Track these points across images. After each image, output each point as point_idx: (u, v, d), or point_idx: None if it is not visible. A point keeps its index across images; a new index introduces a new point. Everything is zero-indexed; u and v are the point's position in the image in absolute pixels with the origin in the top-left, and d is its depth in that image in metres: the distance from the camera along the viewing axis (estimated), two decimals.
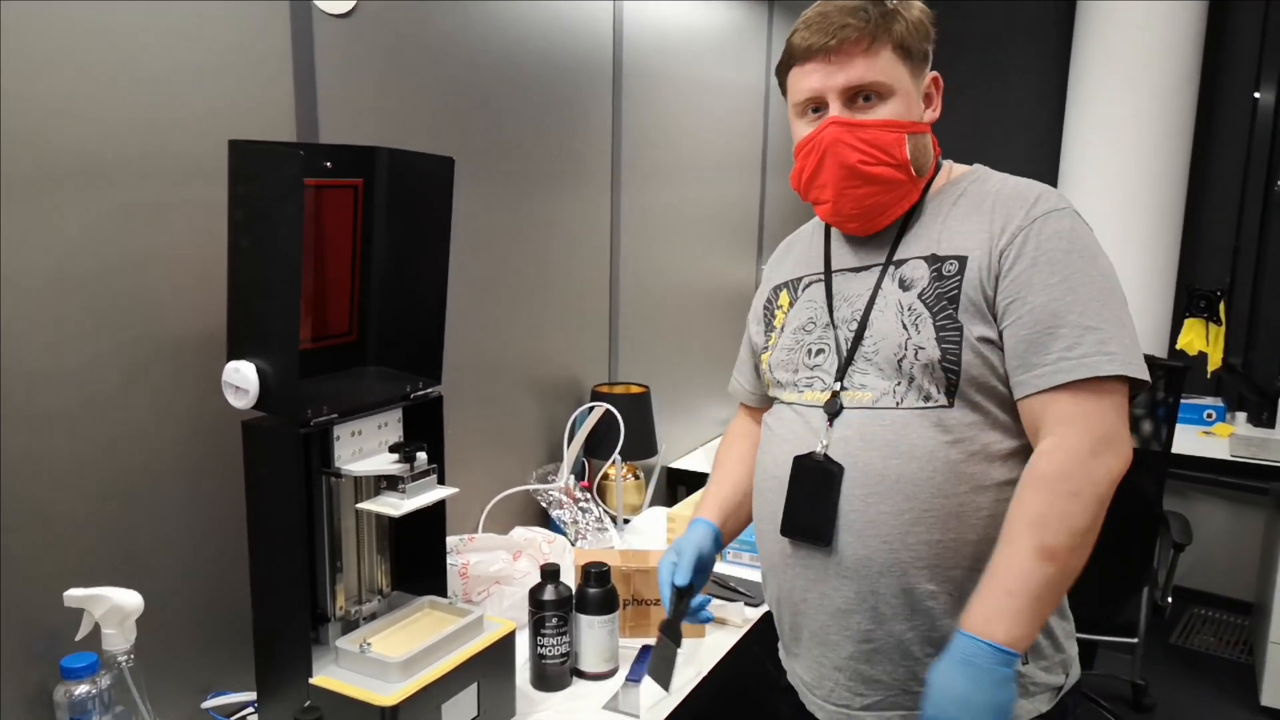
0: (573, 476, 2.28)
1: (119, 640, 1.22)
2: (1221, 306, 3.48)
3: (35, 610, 1.28)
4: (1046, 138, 4.11)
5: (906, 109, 1.27)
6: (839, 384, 1.31)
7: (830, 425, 1.29)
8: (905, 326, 1.26)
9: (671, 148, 2.80)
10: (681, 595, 1.41)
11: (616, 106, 2.50)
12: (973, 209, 1.29)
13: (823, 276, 1.39)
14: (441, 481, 1.47)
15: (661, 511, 2.42)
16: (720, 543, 1.50)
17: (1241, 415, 3.60)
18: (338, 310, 1.50)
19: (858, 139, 1.25)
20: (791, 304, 1.42)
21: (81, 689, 1.26)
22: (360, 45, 1.69)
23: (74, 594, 1.23)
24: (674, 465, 2.91)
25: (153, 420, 1.41)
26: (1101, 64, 3.69)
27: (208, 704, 1.49)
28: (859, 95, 1.26)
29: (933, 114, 1.33)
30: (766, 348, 1.44)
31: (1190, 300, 3.52)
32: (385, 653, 1.35)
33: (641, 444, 2.43)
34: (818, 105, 1.28)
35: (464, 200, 1.55)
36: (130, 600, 1.23)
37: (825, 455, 1.28)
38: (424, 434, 1.49)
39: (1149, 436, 2.79)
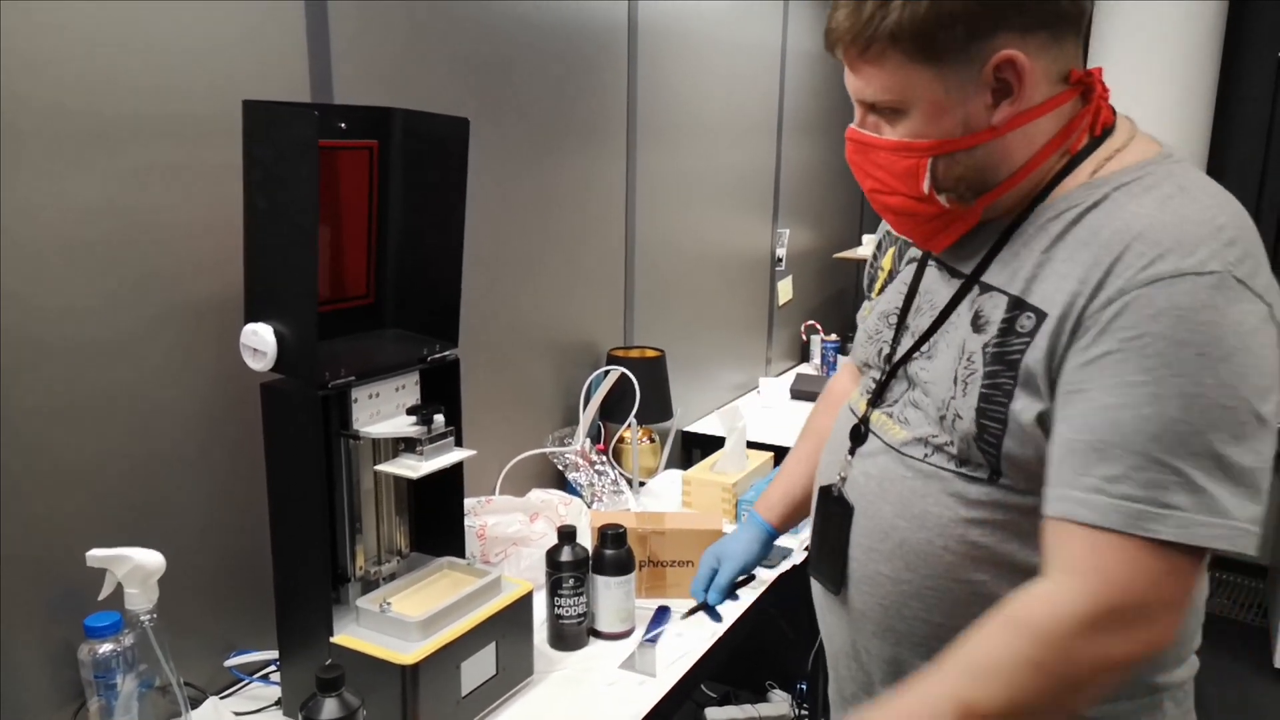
0: (589, 439, 2.28)
1: (141, 600, 1.23)
2: None
3: (59, 571, 1.29)
4: None
5: (934, 123, 0.95)
6: (872, 407, 1.11)
7: (851, 454, 1.13)
8: (956, 380, 1.00)
9: (687, 110, 2.77)
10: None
11: (632, 68, 2.47)
12: (1090, 239, 0.92)
13: (918, 260, 1.14)
14: (459, 444, 1.47)
15: (677, 474, 2.43)
16: (775, 539, 1.48)
17: None
18: (354, 272, 1.50)
19: (871, 163, 1.01)
20: (891, 274, 1.21)
21: (105, 648, 1.27)
22: (374, 5, 1.68)
23: (97, 554, 1.24)
24: (689, 429, 2.91)
25: (173, 382, 1.42)
26: (1123, 22, 3.63)
27: (230, 662, 1.51)
28: (874, 105, 0.99)
29: (1011, 109, 0.94)
30: (864, 311, 1.26)
31: None
32: (405, 612, 1.36)
33: (657, 407, 2.43)
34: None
35: (479, 162, 1.53)
36: (152, 560, 1.24)
37: (841, 491, 1.13)
38: (441, 396, 1.49)
39: None
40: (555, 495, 2.08)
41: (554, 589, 1.64)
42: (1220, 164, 3.85)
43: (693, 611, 1.52)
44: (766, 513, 1.49)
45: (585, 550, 1.67)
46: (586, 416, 2.27)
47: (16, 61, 1.19)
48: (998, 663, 0.89)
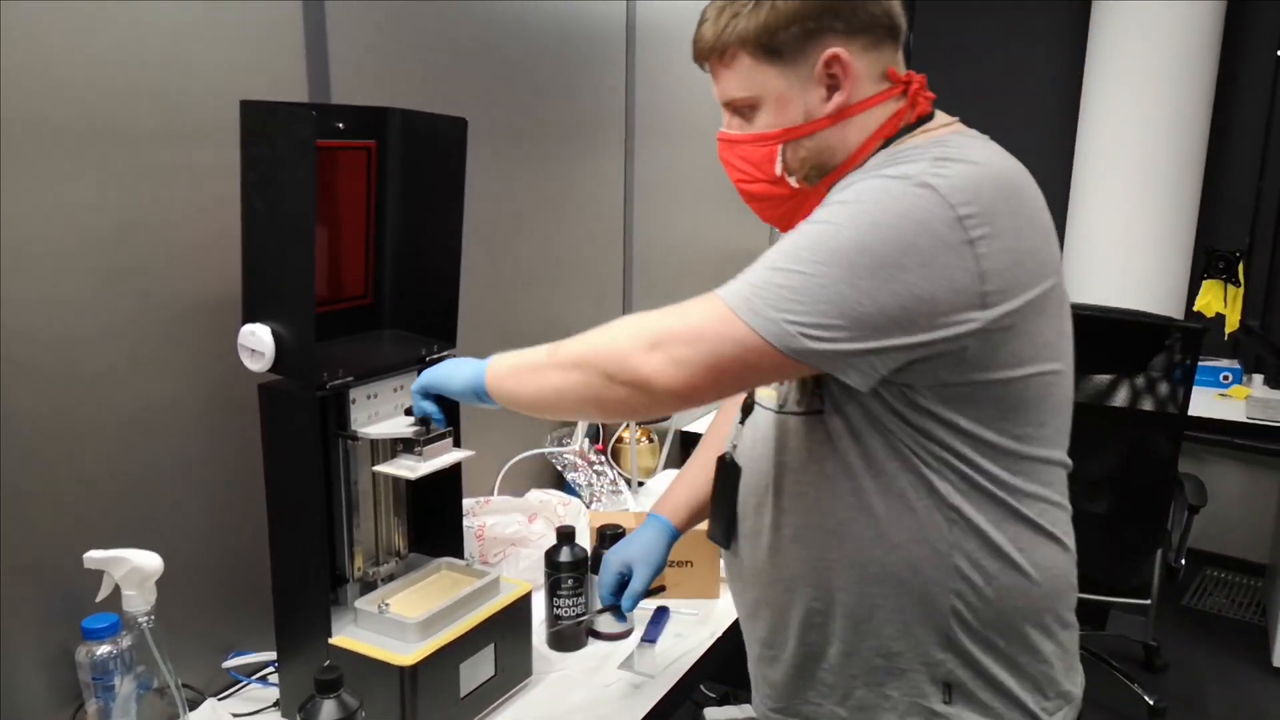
0: (587, 439, 2.28)
1: (139, 601, 1.23)
2: (1240, 268, 3.45)
3: (56, 572, 1.29)
4: (1065, 96, 4.05)
5: (780, 114, 1.11)
6: None
7: (741, 423, 1.26)
8: None
9: (684, 111, 2.77)
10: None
11: (630, 68, 2.47)
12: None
13: None
14: (457, 444, 1.47)
15: (675, 474, 2.43)
16: (676, 540, 1.49)
17: (1258, 377, 3.58)
18: (353, 273, 1.50)
19: (736, 156, 1.17)
20: None
21: (103, 649, 1.27)
22: (372, 5, 1.67)
23: (94, 556, 1.24)
24: (688, 428, 2.90)
25: (170, 383, 1.41)
26: (1122, 20, 3.63)
27: (228, 664, 1.50)
28: (735, 107, 1.15)
29: (841, 98, 1.09)
30: None
31: (1209, 261, 3.49)
32: (403, 613, 1.36)
33: None
34: None
35: (477, 162, 1.53)
36: (150, 562, 1.24)
37: (732, 457, 1.25)
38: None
39: (1165, 399, 2.77)
40: (554, 495, 2.08)
41: (553, 589, 1.64)
42: (1220, 162, 3.85)
43: (601, 612, 1.51)
44: (672, 515, 1.49)
45: (584, 550, 1.67)
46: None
47: (16, 62, 1.18)
48: (595, 330, 1.11)
